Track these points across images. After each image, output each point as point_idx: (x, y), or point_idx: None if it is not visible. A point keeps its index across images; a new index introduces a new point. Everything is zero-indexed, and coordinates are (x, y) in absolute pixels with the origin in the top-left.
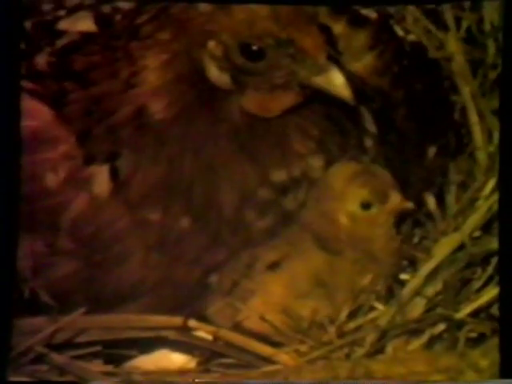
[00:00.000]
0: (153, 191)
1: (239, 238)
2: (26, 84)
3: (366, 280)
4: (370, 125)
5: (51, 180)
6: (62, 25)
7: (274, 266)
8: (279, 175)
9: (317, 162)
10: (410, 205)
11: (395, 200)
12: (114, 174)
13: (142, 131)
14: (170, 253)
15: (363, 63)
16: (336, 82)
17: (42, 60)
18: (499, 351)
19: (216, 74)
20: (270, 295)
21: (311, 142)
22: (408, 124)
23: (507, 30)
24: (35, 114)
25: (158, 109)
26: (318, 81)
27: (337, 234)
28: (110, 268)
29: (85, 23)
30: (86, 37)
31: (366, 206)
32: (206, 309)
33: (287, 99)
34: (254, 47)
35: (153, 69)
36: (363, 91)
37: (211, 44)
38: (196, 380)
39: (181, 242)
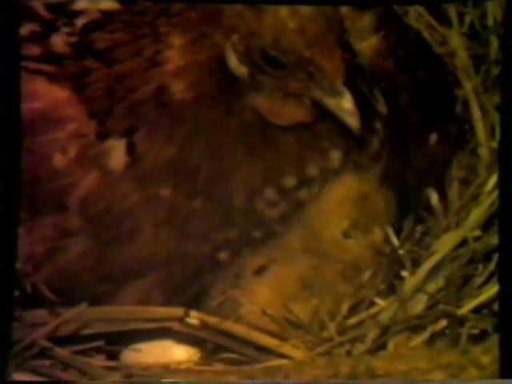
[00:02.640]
0: (165, 168)
1: (251, 220)
2: (42, 66)
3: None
4: (382, 106)
5: (60, 160)
6: (80, 4)
7: (260, 271)
8: (289, 181)
9: (336, 154)
10: (386, 250)
11: (377, 236)
12: (131, 148)
13: (160, 109)
14: (180, 228)
15: (368, 44)
16: (346, 108)
17: (59, 41)
18: (499, 350)
19: (236, 64)
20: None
21: (334, 136)
22: (411, 108)
23: (508, 26)
24: (44, 94)
25: (178, 89)
26: (330, 102)
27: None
28: (120, 244)
29: (107, 2)
30: (107, 14)
31: (346, 235)
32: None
33: (298, 112)
34: (275, 57)
35: (177, 47)
36: (372, 71)
37: (235, 37)
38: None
39: (191, 219)
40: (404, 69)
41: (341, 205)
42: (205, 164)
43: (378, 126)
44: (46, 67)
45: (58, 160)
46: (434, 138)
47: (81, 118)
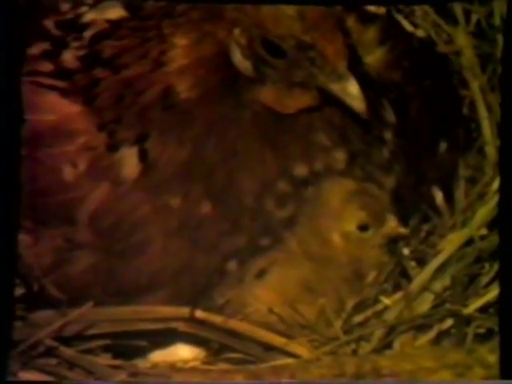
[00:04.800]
0: (177, 173)
1: (259, 225)
2: (54, 82)
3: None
4: (390, 115)
5: (70, 173)
6: (88, 17)
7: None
8: (301, 170)
9: (340, 155)
10: (405, 231)
11: (391, 224)
12: (143, 155)
13: (169, 111)
14: (190, 238)
15: (375, 57)
16: (352, 92)
17: (69, 57)
18: (500, 350)
19: (239, 59)
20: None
21: (335, 135)
22: (421, 118)
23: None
24: (56, 108)
25: (183, 88)
26: (335, 88)
27: (328, 252)
28: (130, 258)
29: (114, 11)
30: (115, 23)
31: (362, 228)
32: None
33: (304, 99)
34: (276, 45)
35: (181, 47)
36: (380, 83)
37: (237, 31)
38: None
39: (201, 228)
40: (411, 78)
41: (349, 201)
42: (217, 162)
43: (388, 136)
44: (58, 83)
45: (68, 173)
46: (443, 146)
47: (90, 130)
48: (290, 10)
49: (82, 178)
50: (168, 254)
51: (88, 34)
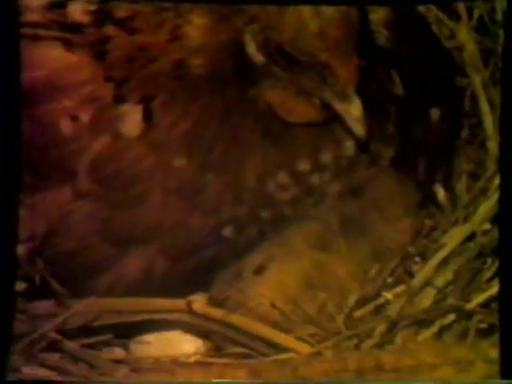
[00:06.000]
0: (179, 140)
1: (261, 200)
2: (59, 34)
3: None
4: (399, 88)
5: (74, 125)
6: None
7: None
8: (303, 167)
9: (350, 143)
10: None
11: None
12: (148, 114)
13: (179, 81)
14: (189, 199)
15: (378, 16)
16: (354, 115)
17: (78, 9)
18: (500, 350)
19: (253, 51)
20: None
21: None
22: (413, 83)
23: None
24: (60, 59)
25: (196, 64)
26: (338, 107)
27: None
28: (128, 208)
29: None
30: None
31: None
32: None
33: (309, 111)
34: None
35: (197, 26)
36: (387, 50)
37: (255, 26)
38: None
39: (200, 192)
40: (409, 42)
41: None
42: (219, 142)
43: (392, 110)
44: (64, 34)
45: (68, 126)
46: (436, 113)
47: (97, 80)
48: (312, 24)
49: (87, 129)
50: (165, 210)
51: None
